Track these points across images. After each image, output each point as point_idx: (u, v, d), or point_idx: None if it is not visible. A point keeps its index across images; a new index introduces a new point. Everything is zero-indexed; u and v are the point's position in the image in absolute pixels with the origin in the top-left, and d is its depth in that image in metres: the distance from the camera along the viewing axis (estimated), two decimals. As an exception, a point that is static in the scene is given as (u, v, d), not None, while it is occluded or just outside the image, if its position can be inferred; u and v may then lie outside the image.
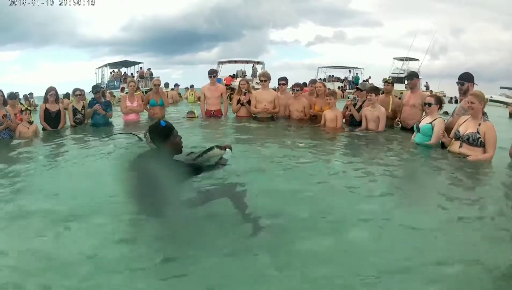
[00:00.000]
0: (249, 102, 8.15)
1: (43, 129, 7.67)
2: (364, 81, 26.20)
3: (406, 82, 8.38)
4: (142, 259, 2.39)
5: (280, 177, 3.97)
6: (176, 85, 19.71)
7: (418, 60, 32.36)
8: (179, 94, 19.23)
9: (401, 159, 4.98)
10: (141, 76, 27.17)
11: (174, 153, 3.30)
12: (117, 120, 8.90)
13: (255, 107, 8.01)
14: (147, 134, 3.30)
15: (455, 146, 4.84)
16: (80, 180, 4.00)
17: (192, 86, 19.13)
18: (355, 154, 5.29)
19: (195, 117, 8.94)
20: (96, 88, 8.70)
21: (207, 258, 2.34)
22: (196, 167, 3.49)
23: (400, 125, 6.83)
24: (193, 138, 5.78)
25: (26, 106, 7.64)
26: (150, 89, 10.16)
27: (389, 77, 7.26)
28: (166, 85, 18.33)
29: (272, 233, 2.63)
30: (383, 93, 7.20)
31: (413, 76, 6.87)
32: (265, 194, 3.33)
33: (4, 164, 4.84)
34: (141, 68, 29.17)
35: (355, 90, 8.70)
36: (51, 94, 7.82)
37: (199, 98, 16.92)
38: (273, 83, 8.93)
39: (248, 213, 2.80)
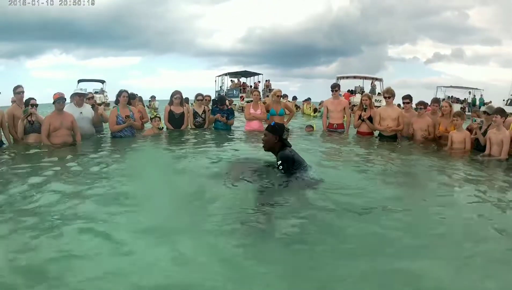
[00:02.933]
0: (370, 118, 8.16)
1: (167, 128, 8.33)
2: (485, 104, 24.54)
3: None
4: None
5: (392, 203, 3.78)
6: (294, 98, 19.77)
7: (539, 80, 29.55)
8: (297, 106, 19.52)
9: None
10: (255, 87, 27.87)
11: None
12: (239, 128, 9.34)
13: (379, 124, 7.96)
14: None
15: None
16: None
17: (309, 99, 19.30)
18: (476, 185, 4.69)
19: (313, 130, 9.26)
20: (221, 100, 9.25)
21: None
22: None
23: None
24: (313, 152, 5.96)
25: (155, 114, 8.24)
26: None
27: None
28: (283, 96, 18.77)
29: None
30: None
31: None
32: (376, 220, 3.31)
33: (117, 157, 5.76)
34: (259, 81, 30.23)
35: (473, 113, 8.24)
36: (176, 97, 8.44)
37: (314, 111, 17.37)
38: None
39: None
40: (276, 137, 4.24)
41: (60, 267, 2.39)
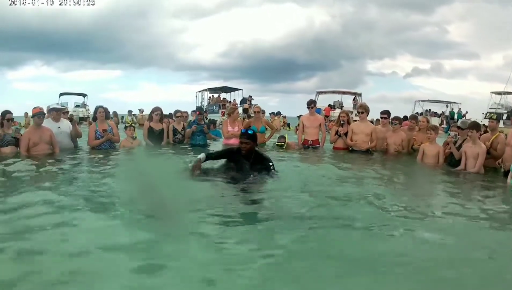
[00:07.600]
0: (346, 134, 8.14)
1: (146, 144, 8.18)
2: (461, 116, 24.95)
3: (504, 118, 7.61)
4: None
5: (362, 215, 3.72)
6: (277, 113, 18.57)
7: (516, 94, 30.18)
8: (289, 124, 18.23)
9: (500, 208, 4.33)
10: (234, 104, 27.65)
11: None
12: (216, 143, 9.32)
13: (351, 139, 8.02)
14: None
15: None
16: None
17: (277, 113, 17.27)
18: (449, 200, 4.62)
19: (286, 140, 8.82)
20: (200, 109, 9.20)
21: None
22: None
23: (502, 168, 6.22)
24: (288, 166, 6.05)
25: (130, 123, 8.21)
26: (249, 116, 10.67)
27: (492, 113, 6.61)
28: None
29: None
30: (485, 131, 6.77)
31: None
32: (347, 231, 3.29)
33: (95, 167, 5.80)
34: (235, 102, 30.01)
35: (452, 127, 8.28)
36: (157, 113, 8.35)
37: (286, 125, 16.83)
38: (371, 115, 8.86)
39: None
40: (255, 144, 5.15)
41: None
